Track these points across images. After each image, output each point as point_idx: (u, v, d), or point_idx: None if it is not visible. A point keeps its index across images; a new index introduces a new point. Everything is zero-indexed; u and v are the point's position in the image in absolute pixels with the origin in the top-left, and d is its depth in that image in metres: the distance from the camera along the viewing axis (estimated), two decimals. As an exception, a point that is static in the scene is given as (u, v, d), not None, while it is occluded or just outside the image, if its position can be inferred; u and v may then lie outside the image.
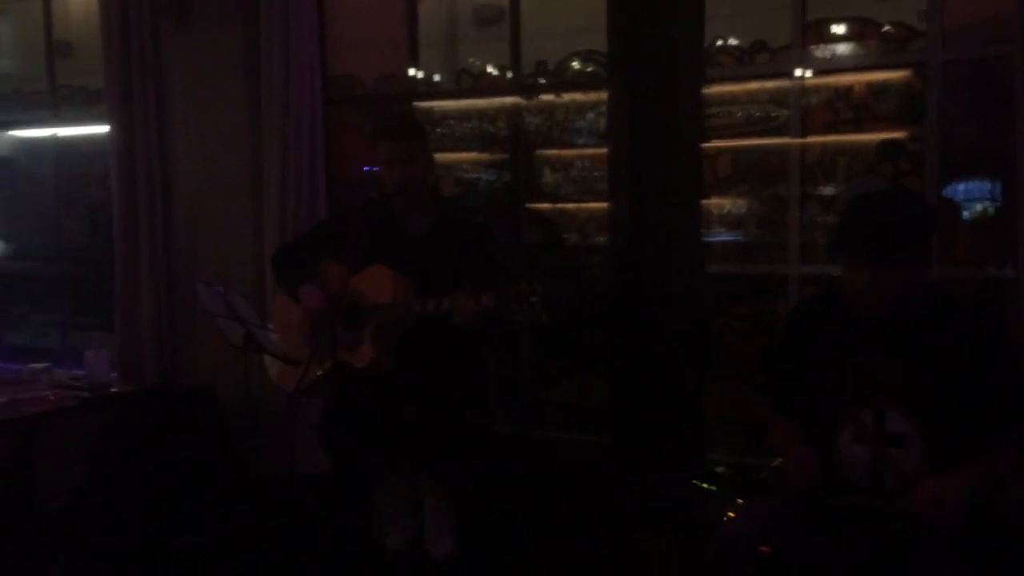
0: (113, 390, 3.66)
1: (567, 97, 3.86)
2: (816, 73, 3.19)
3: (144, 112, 3.90)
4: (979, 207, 2.99)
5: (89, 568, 3.18)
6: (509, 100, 3.76)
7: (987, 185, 2.97)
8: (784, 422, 2.19)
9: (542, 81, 3.89)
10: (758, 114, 3.44)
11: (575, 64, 3.91)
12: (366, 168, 4.02)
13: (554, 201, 3.89)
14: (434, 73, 4.24)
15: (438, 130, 4.07)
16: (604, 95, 3.30)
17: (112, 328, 4.06)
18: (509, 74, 3.59)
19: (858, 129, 3.24)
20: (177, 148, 3.95)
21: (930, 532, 1.85)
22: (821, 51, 3.25)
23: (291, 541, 3.13)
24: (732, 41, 3.52)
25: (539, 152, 3.90)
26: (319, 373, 2.64)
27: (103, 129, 4.06)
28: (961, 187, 3.00)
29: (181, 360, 3.99)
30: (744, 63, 3.48)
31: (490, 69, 4.13)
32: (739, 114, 3.49)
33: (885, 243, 1.89)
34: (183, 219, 3.97)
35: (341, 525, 3.10)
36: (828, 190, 3.26)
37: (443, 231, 2.87)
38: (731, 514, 2.20)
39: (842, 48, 3.26)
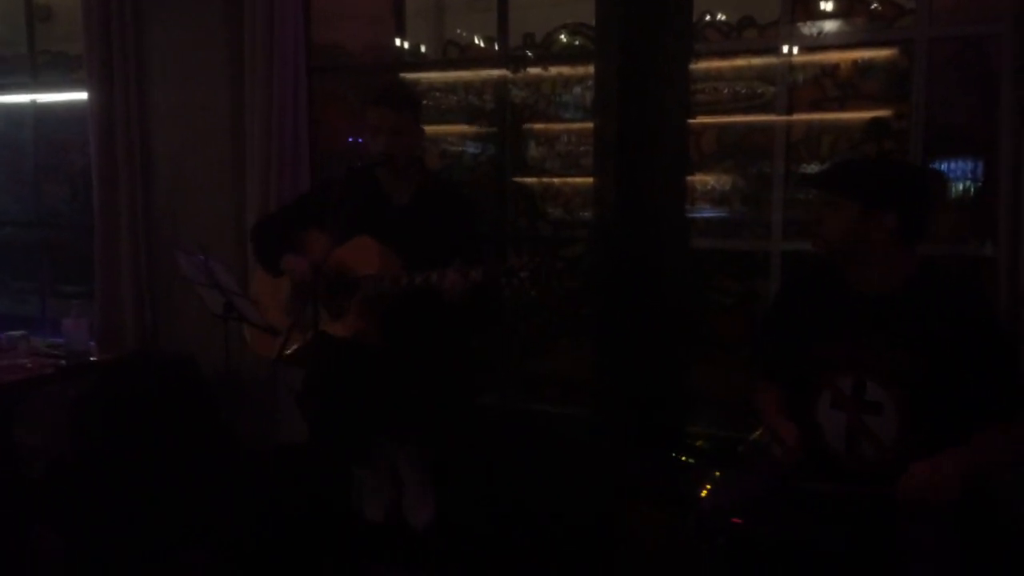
0: (92, 358, 3.63)
1: (554, 70, 3.83)
2: (803, 50, 3.18)
3: (124, 79, 3.86)
4: (961, 186, 3.01)
5: (71, 536, 3.17)
6: (496, 72, 3.72)
7: (970, 164, 2.98)
8: (769, 391, 2.22)
9: (529, 54, 3.86)
10: (744, 91, 3.43)
11: (563, 37, 3.87)
12: (351, 139, 3.99)
13: (540, 175, 3.88)
14: (421, 44, 4.20)
15: (424, 102, 4.03)
16: (591, 69, 3.28)
17: (92, 296, 4.03)
18: (496, 46, 3.56)
19: (843, 107, 3.24)
20: (158, 115, 3.91)
21: (910, 509, 1.87)
22: (809, 28, 3.23)
23: (271, 511, 3.13)
24: (720, 16, 3.50)
25: (525, 126, 3.88)
26: (298, 344, 2.63)
27: (83, 95, 4.00)
28: (944, 166, 3.01)
29: (162, 328, 3.97)
30: (731, 39, 3.47)
31: (477, 41, 4.09)
32: (725, 90, 3.47)
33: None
34: (164, 187, 3.93)
35: (321, 496, 3.11)
36: (812, 168, 3.26)
37: (426, 202, 2.86)
38: (708, 486, 2.22)
39: (830, 25, 3.24)
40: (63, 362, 3.50)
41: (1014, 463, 2.15)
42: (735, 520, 1.96)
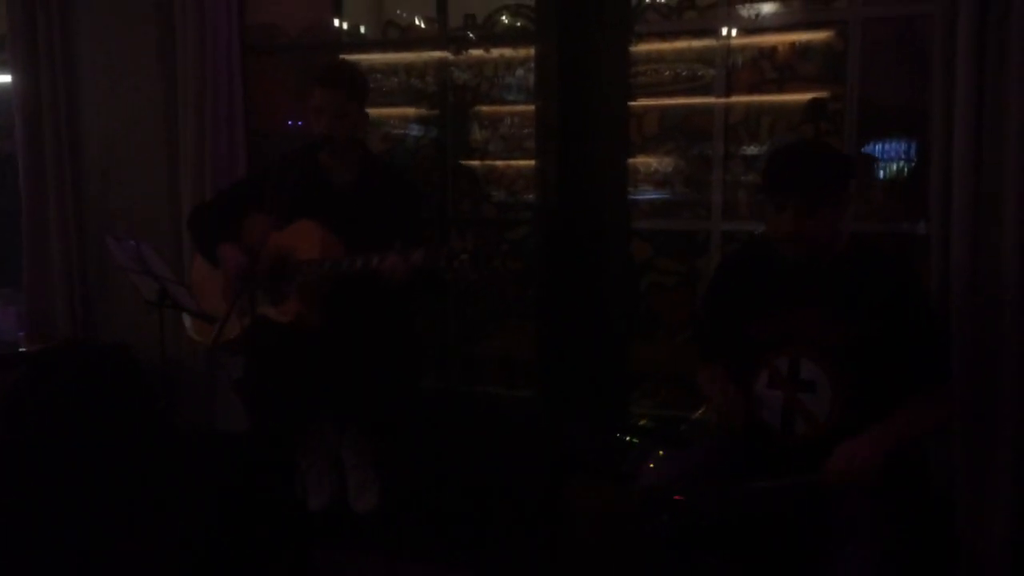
0: (21, 349, 3.52)
1: (496, 52, 3.79)
2: (741, 32, 3.21)
3: (50, 59, 3.73)
4: (896, 166, 3.06)
5: (4, 529, 3.08)
6: (437, 54, 3.68)
7: (904, 145, 3.04)
8: (711, 366, 2.24)
9: (470, 35, 3.82)
10: (685, 72, 3.44)
11: (504, 18, 3.84)
12: (290, 122, 3.91)
13: (483, 158, 3.85)
14: (360, 24, 4.13)
15: (366, 84, 3.97)
16: (533, 51, 3.26)
17: (20, 285, 3.90)
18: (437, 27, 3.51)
19: (781, 89, 3.27)
20: (86, 97, 3.79)
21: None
22: (747, 10, 3.26)
23: (211, 501, 3.07)
24: (660, -2, 3.50)
25: (468, 108, 3.84)
26: (237, 331, 2.58)
27: (7, 78, 3.86)
28: (879, 146, 3.06)
29: (95, 317, 3.86)
30: (672, 20, 3.47)
31: (418, 22, 4.04)
32: (667, 72, 3.48)
33: (807, 187, 1.96)
34: (94, 171, 3.81)
35: (262, 484, 3.06)
36: (751, 150, 3.30)
37: (369, 185, 2.82)
38: (651, 465, 2.24)
39: (768, 7, 3.27)
40: (-10, 353, 3.39)
41: (937, 430, 2.22)
42: (677, 497, 1.97)
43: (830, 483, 1.88)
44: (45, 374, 3.48)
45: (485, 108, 3.85)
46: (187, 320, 2.96)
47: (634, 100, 3.32)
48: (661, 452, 2.36)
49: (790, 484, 1.94)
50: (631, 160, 3.35)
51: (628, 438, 2.80)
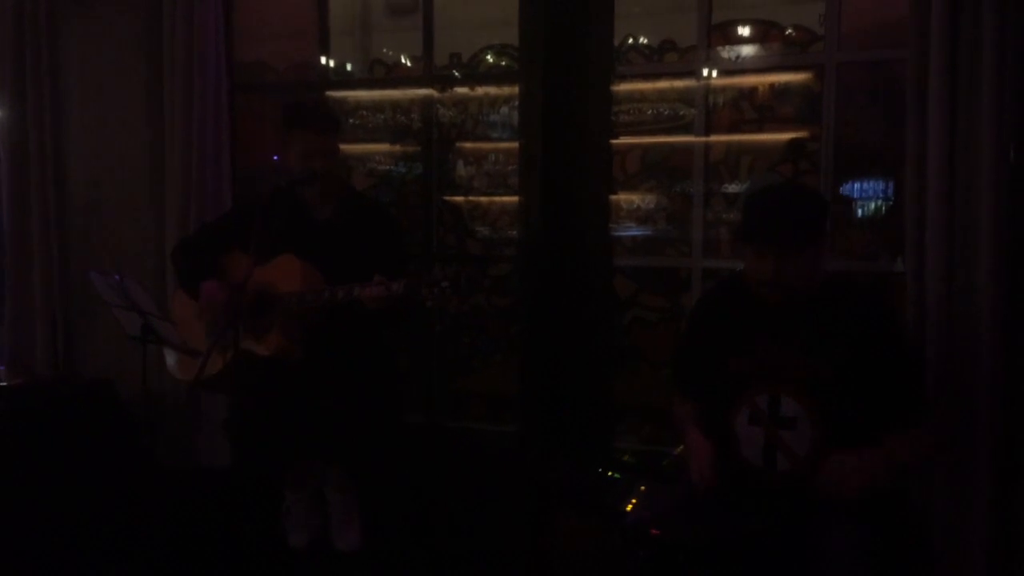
0: (2, 383, 3.49)
1: (481, 90, 3.85)
2: (721, 73, 3.27)
3: (38, 97, 3.74)
4: (873, 205, 3.12)
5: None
6: (422, 92, 3.73)
7: (880, 184, 3.10)
8: (684, 407, 2.26)
9: (456, 73, 3.88)
10: (667, 112, 3.51)
11: (489, 57, 3.90)
12: (275, 157, 3.94)
13: (467, 194, 3.89)
14: (346, 62, 4.18)
15: (351, 121, 4.02)
16: (517, 89, 3.31)
17: (1, 320, 3.89)
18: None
19: (761, 129, 3.34)
20: (73, 134, 3.81)
21: (826, 510, 1.93)
22: (727, 52, 3.33)
23: (191, 539, 3.05)
24: (642, 40, 3.58)
25: (453, 145, 3.89)
26: (220, 366, 2.57)
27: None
28: (856, 185, 3.12)
29: (77, 352, 3.84)
30: (653, 62, 3.55)
31: (404, 60, 4.10)
32: (649, 112, 3.55)
33: (786, 234, 1.98)
34: (80, 208, 3.82)
35: (243, 522, 3.04)
36: (732, 188, 3.35)
37: (347, 217, 2.85)
38: (633, 500, 2.25)
39: (747, 50, 3.35)
40: (-30, 388, 3.36)
41: (918, 467, 2.25)
42: (654, 532, 1.98)
43: (818, 488, 1.91)
44: (26, 409, 3.45)
45: (469, 145, 3.90)
46: (169, 359, 2.95)
47: (616, 138, 3.37)
48: (643, 488, 2.37)
49: (770, 521, 1.96)
50: (614, 197, 3.39)
51: (611, 473, 2.81)
